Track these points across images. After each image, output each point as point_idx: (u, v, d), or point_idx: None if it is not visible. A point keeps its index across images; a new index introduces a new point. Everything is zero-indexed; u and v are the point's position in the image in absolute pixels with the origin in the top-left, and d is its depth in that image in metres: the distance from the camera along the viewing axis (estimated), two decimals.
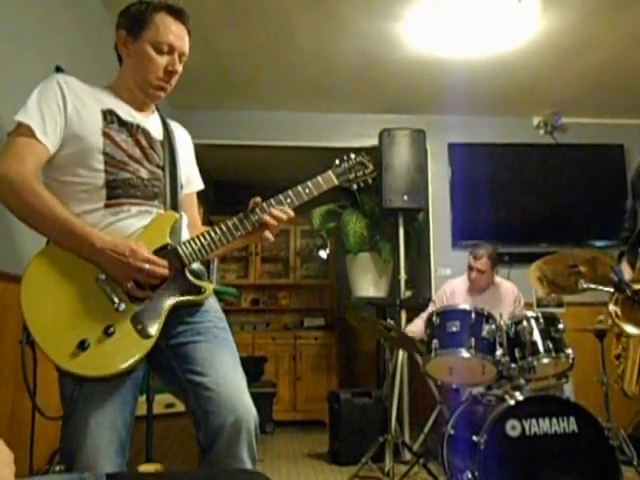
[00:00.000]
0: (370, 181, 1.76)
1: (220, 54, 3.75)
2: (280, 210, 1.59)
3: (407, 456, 3.70)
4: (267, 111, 4.67)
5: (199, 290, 1.51)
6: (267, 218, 1.57)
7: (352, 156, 1.74)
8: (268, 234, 1.62)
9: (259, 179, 5.80)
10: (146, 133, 1.58)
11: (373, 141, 4.36)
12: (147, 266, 1.39)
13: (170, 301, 1.46)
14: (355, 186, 1.74)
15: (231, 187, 5.91)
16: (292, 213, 1.62)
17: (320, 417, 5.08)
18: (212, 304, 1.59)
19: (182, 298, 1.48)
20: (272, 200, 1.62)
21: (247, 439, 1.40)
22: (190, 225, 1.71)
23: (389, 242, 4.49)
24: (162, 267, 1.42)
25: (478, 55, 3.81)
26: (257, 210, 1.59)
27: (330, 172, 1.69)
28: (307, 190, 1.65)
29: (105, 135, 1.49)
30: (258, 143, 4.70)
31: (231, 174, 5.95)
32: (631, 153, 4.70)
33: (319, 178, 1.67)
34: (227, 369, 1.46)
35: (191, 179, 1.78)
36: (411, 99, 4.52)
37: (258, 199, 1.61)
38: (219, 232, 1.54)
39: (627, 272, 1.99)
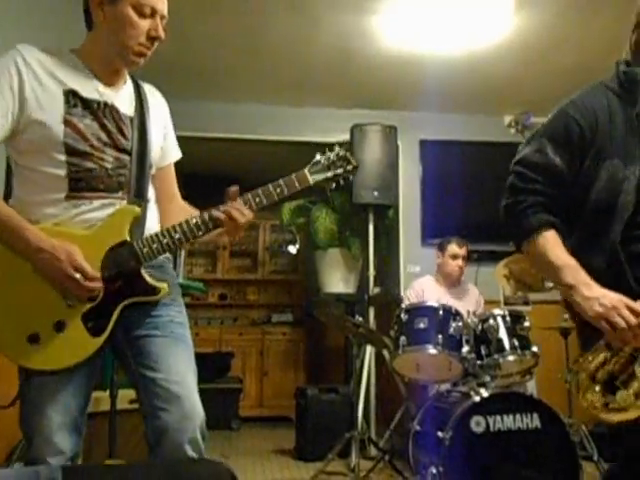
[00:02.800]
0: (350, 178, 1.63)
1: (192, 44, 3.67)
2: (238, 211, 1.48)
3: (373, 452, 3.71)
4: (238, 103, 4.61)
5: (154, 291, 1.46)
6: (222, 217, 1.48)
7: (336, 150, 1.61)
8: (225, 236, 1.55)
9: (231, 173, 5.73)
10: (114, 111, 1.49)
11: (345, 136, 4.34)
12: (78, 276, 1.34)
13: (122, 301, 1.43)
14: (334, 185, 1.61)
15: (201, 181, 5.82)
16: (250, 216, 1.50)
17: (287, 413, 5.05)
18: (174, 297, 1.55)
19: (134, 299, 1.44)
20: (240, 198, 1.52)
21: (192, 437, 1.39)
22: (166, 200, 1.65)
23: (359, 238, 4.48)
24: (93, 280, 1.37)
25: (451, 52, 3.82)
26: (220, 208, 1.50)
27: (306, 171, 1.57)
28: (278, 190, 1.53)
29: (67, 123, 1.41)
30: (229, 136, 4.64)
31: (202, 167, 5.86)
32: None
33: (293, 177, 1.55)
34: (179, 366, 1.44)
35: (166, 150, 1.66)
36: (383, 95, 4.51)
37: (234, 188, 1.52)
38: (180, 231, 1.47)
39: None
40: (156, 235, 1.47)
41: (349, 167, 1.61)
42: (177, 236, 1.47)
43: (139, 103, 1.56)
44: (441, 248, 3.64)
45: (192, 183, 5.83)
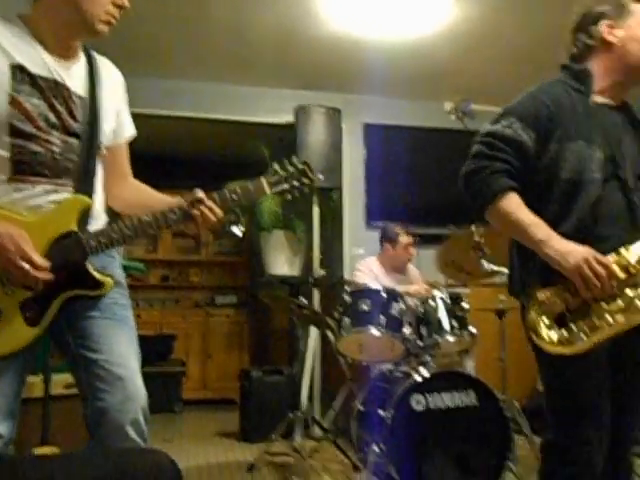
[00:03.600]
0: (306, 191, 1.61)
1: (131, 18, 3.51)
2: (210, 210, 1.45)
3: (317, 432, 3.75)
4: (178, 80, 4.48)
5: (97, 285, 1.42)
6: (195, 212, 1.44)
7: (294, 162, 1.57)
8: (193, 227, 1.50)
9: (170, 151, 5.60)
10: (65, 90, 1.40)
11: (288, 117, 4.30)
12: (27, 267, 1.29)
13: (63, 292, 1.39)
14: (289, 196, 1.57)
15: (139, 159, 5.65)
16: (220, 214, 1.47)
17: (231, 395, 5.04)
18: (118, 278, 1.51)
19: (76, 292, 1.40)
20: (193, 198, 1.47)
21: (134, 419, 1.38)
22: (117, 180, 1.59)
23: (303, 220, 4.48)
24: (42, 271, 1.32)
25: (395, 37, 3.85)
26: (176, 210, 1.45)
27: (263, 179, 1.52)
28: (234, 196, 1.48)
29: (12, 102, 1.32)
30: (168, 113, 4.51)
31: (142, 146, 5.69)
32: None
33: (249, 185, 1.50)
34: (122, 348, 1.42)
35: (119, 127, 1.59)
36: (328, 77, 4.50)
37: (200, 194, 1.47)
38: (132, 228, 1.42)
39: None
40: (107, 230, 1.42)
41: (305, 181, 1.57)
42: (128, 233, 1.42)
43: (92, 81, 1.47)
44: (392, 240, 3.64)
45: (130, 162, 5.70)
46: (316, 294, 4.11)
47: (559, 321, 1.46)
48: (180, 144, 5.56)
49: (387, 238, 3.67)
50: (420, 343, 2.85)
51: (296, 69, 4.39)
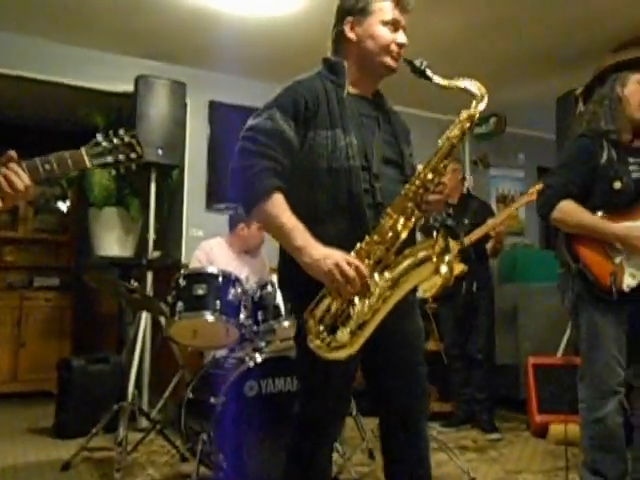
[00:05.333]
0: (133, 167, 1.52)
1: None
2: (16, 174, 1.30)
3: (144, 423, 3.55)
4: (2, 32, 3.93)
5: None
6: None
7: (121, 135, 1.46)
8: None
9: None
10: None
11: (128, 86, 3.99)
12: None
13: None
14: (114, 171, 1.49)
15: None
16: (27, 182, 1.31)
17: (47, 387, 4.57)
18: None
19: None
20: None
21: None
22: None
23: (139, 198, 4.21)
24: None
25: (250, 15, 3.75)
26: None
27: (83, 151, 1.39)
28: (47, 166, 1.34)
29: None
30: None
31: None
32: None
33: (67, 155, 1.36)
34: None
35: None
36: (176, 48, 4.25)
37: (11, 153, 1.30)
38: None
39: None
40: None
41: (133, 155, 1.48)
42: None
43: None
44: (247, 220, 3.49)
45: None
46: (149, 277, 3.89)
47: (333, 328, 1.51)
48: (4, 106, 4.91)
49: (242, 218, 3.55)
50: (256, 328, 2.80)
51: (140, 36, 4.07)
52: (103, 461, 3.08)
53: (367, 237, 1.53)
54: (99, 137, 1.44)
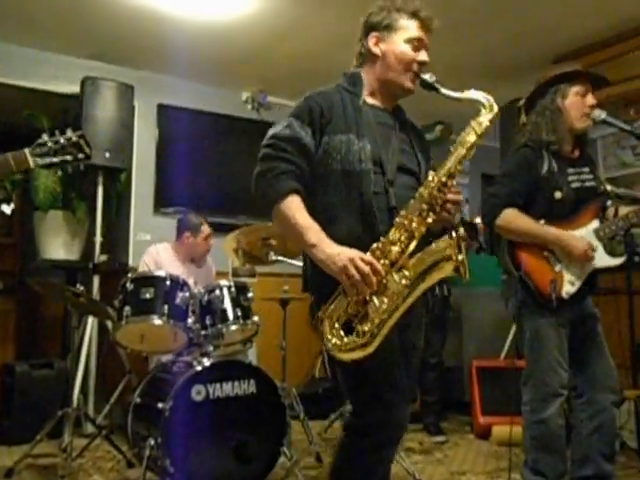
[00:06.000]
0: (81, 167, 1.51)
1: None
2: None
3: (90, 429, 3.51)
4: None
5: None
6: None
7: (68, 135, 1.44)
8: None
9: None
10: None
11: (74, 87, 3.93)
12: None
13: None
14: (60, 172, 1.49)
15: None
16: None
17: None
18: None
19: None
20: None
21: None
22: None
23: (85, 201, 4.14)
24: None
25: (196, 19, 3.74)
26: None
27: (27, 151, 1.39)
28: None
29: None
30: None
31: None
32: None
33: (9, 156, 1.37)
34: None
35: None
36: (124, 50, 4.20)
37: None
38: None
39: None
40: None
41: (80, 155, 1.48)
42: None
43: None
44: (193, 229, 3.51)
45: None
46: (96, 281, 3.84)
47: (348, 327, 1.53)
48: None
49: (188, 226, 3.53)
50: (204, 333, 2.81)
51: (87, 36, 4.01)
52: (47, 468, 3.03)
53: (382, 238, 1.56)
54: (44, 137, 1.43)
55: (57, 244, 4.18)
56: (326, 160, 1.65)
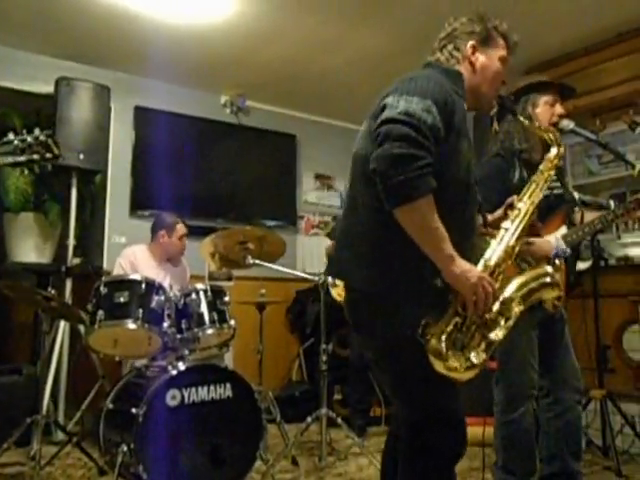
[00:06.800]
0: (49, 168, 1.46)
1: None
2: None
3: (60, 436, 3.42)
4: None
5: None
6: None
7: (36, 134, 1.39)
8: None
9: None
10: None
11: (48, 88, 3.86)
12: None
13: None
14: (27, 171, 1.44)
15: None
16: None
17: None
18: None
19: None
20: None
21: None
22: None
23: (58, 203, 4.06)
24: None
25: (175, 21, 3.73)
26: None
27: None
28: None
29: None
30: None
31: None
32: (301, 143, 5.24)
33: None
34: None
35: None
36: (100, 51, 4.16)
37: None
38: None
39: None
40: None
41: (48, 155, 1.41)
42: None
43: None
44: (168, 228, 3.48)
45: None
46: (69, 284, 3.76)
47: (452, 344, 1.50)
48: None
49: (163, 225, 3.51)
50: (179, 336, 2.77)
51: (62, 36, 3.96)
52: (15, 476, 2.95)
53: (484, 260, 1.58)
54: (11, 135, 1.38)
55: (28, 247, 4.10)
56: (447, 164, 1.49)
